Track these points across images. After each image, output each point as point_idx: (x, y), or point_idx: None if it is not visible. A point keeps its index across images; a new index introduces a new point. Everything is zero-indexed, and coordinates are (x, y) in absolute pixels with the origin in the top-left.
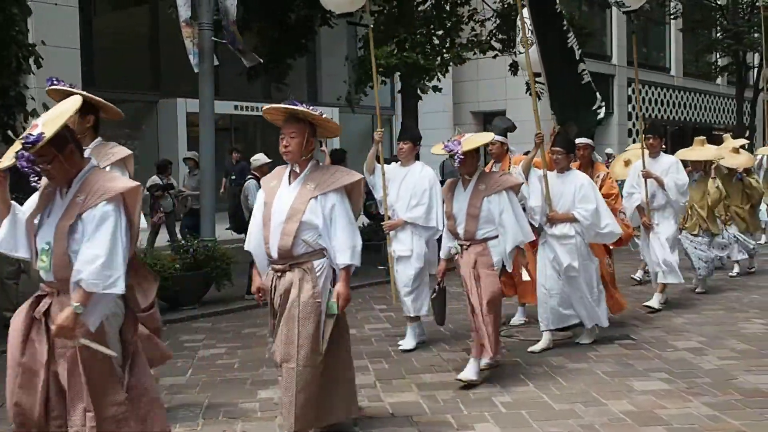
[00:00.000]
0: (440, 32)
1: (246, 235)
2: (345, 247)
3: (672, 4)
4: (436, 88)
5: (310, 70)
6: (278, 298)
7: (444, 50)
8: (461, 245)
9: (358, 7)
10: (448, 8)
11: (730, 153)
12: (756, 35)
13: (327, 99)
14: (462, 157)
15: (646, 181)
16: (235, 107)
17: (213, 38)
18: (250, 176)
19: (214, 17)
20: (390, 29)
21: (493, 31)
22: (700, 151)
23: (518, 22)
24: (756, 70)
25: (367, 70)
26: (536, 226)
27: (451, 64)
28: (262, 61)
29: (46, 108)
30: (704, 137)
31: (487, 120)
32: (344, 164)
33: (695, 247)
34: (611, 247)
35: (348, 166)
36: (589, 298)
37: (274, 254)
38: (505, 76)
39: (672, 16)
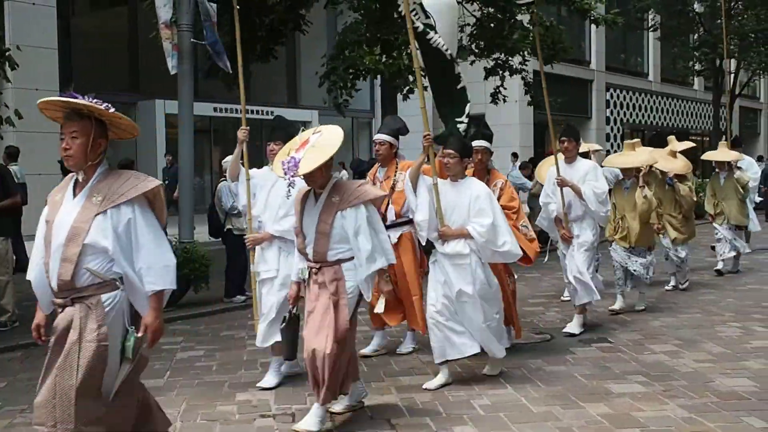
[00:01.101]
0: None
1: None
2: (153, 269)
3: (650, 16)
4: (425, 88)
5: (290, 73)
6: (53, 341)
7: None
8: (310, 268)
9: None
10: None
11: (665, 157)
12: (732, 45)
13: (307, 101)
14: (301, 178)
15: (561, 189)
16: (215, 109)
17: (192, 40)
18: (223, 178)
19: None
20: (373, 31)
21: (472, 37)
22: (628, 156)
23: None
24: (732, 75)
25: (340, 72)
26: (422, 243)
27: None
28: (230, 72)
29: (19, 115)
30: (638, 140)
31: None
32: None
33: (628, 256)
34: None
35: None
36: (485, 328)
37: (54, 285)
38: (485, 81)
39: (651, 29)
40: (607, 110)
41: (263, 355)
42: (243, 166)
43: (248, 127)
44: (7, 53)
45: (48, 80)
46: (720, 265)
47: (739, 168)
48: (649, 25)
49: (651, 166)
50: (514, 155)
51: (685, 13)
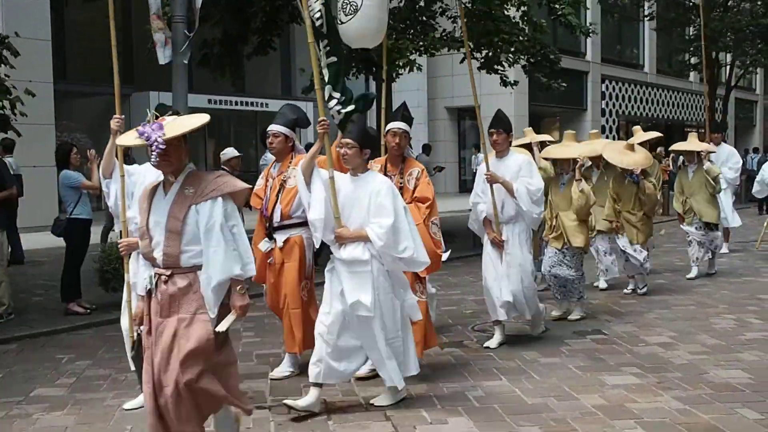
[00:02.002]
0: (417, 27)
1: None
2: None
3: (647, 4)
4: (412, 64)
5: (284, 64)
6: None
7: (419, 40)
8: (159, 275)
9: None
10: (422, 3)
11: (622, 150)
12: (729, 36)
13: (301, 93)
14: (163, 146)
15: (491, 186)
16: (209, 101)
17: (185, 32)
18: (220, 170)
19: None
20: None
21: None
22: (567, 148)
23: None
24: (728, 67)
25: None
26: (316, 247)
27: (425, 53)
28: (186, 62)
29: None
30: (573, 132)
31: (461, 116)
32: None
33: (559, 262)
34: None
35: None
36: (384, 348)
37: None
38: (481, 72)
39: (647, 18)
40: (603, 102)
41: (259, 346)
42: (117, 159)
43: (123, 116)
44: (6, 40)
45: (42, 72)
46: (693, 272)
47: (710, 160)
48: (646, 14)
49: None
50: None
51: (681, 4)
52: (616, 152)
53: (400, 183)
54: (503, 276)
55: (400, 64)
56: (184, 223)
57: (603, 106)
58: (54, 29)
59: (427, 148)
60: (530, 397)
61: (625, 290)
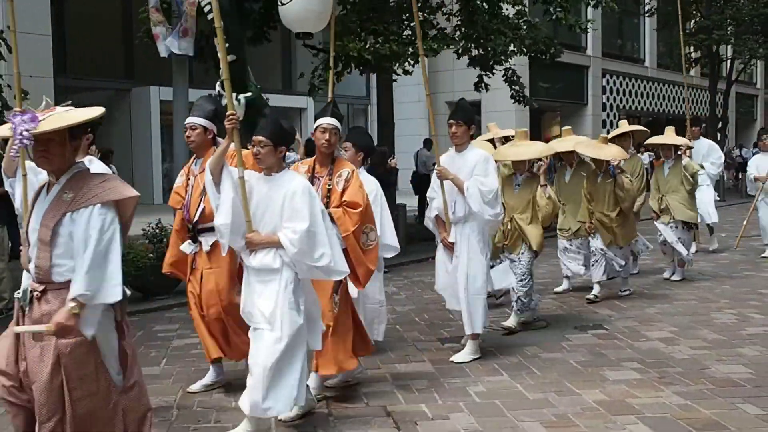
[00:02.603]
0: (413, 24)
1: None
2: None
3: (647, 0)
4: (406, 72)
5: (284, 59)
6: None
7: (415, 41)
8: (32, 293)
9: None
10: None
11: (596, 145)
12: (729, 28)
13: (302, 88)
14: (28, 141)
15: (442, 183)
16: (210, 95)
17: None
18: None
19: None
20: (363, 19)
21: (459, 25)
22: (521, 147)
23: None
24: (728, 62)
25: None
26: (223, 254)
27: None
28: (191, 54)
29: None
30: (525, 129)
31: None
32: None
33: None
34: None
35: None
36: (268, 369)
37: None
38: (474, 68)
39: (647, 14)
40: (604, 96)
41: None
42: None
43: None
44: (1, 34)
45: (42, 67)
46: (667, 274)
47: (689, 156)
48: (646, 10)
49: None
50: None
51: None
52: (590, 147)
53: (329, 185)
54: (453, 282)
55: (398, 71)
56: (56, 233)
57: (604, 101)
58: (54, 24)
59: (428, 143)
60: (531, 392)
61: (587, 296)
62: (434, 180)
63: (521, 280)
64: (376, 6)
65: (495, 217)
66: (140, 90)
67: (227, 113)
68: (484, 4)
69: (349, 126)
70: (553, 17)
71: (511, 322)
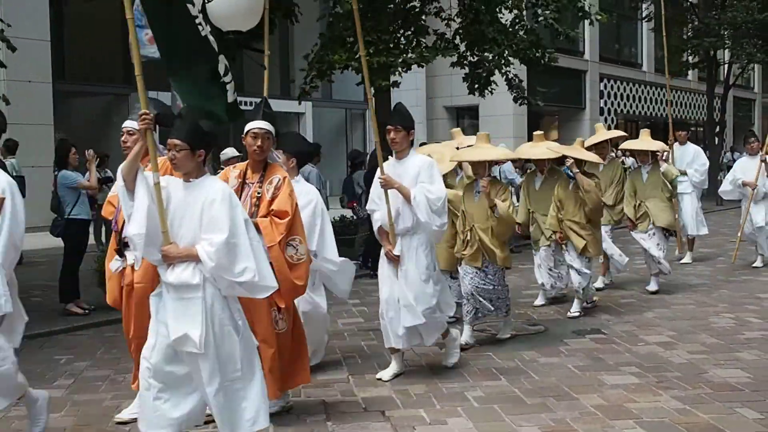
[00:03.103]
0: (407, 33)
1: None
2: None
3: (644, 5)
4: (395, 84)
5: (283, 64)
6: None
7: (409, 50)
8: None
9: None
10: (417, 6)
11: (569, 147)
12: (726, 32)
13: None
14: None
15: (386, 192)
16: None
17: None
18: (221, 169)
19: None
20: (354, 28)
21: (459, 30)
22: (476, 150)
23: None
24: (726, 66)
25: (322, 66)
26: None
27: (414, 64)
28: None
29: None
30: (487, 133)
31: (460, 115)
32: (318, 159)
33: (476, 284)
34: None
35: (322, 160)
36: (217, 392)
37: None
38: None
39: (645, 19)
40: (601, 101)
41: None
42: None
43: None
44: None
45: (41, 72)
46: (652, 285)
47: (665, 160)
48: (643, 15)
49: (557, 160)
50: None
51: (679, 3)
52: (566, 149)
53: (258, 192)
54: (400, 296)
55: (384, 84)
56: None
57: (602, 105)
58: (53, 29)
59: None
60: (529, 397)
61: (570, 314)
62: (374, 190)
63: (502, 287)
64: (369, 13)
65: (441, 227)
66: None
67: (140, 113)
68: (483, 7)
69: (347, 133)
70: (542, 21)
71: (464, 338)
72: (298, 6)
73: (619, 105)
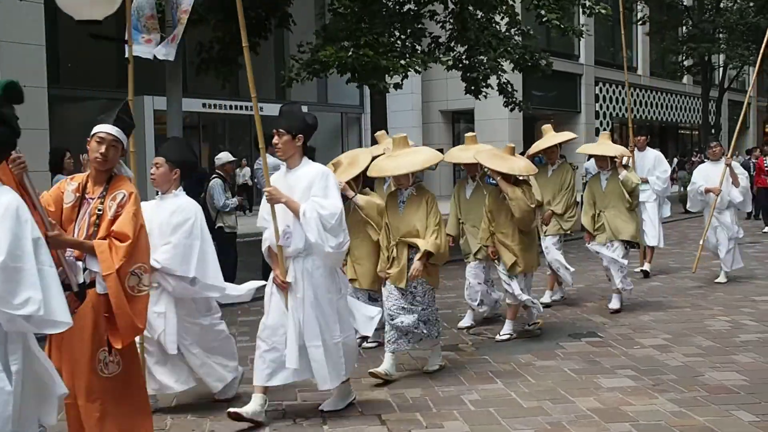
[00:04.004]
0: (403, 37)
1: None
2: None
3: (639, 7)
4: (397, 86)
5: (278, 68)
6: None
7: (406, 55)
8: None
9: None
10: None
11: (501, 155)
12: (720, 35)
13: (296, 95)
14: None
15: (273, 207)
16: (203, 105)
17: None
18: (214, 175)
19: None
20: (352, 29)
21: (452, 30)
22: (399, 157)
23: None
24: (721, 69)
25: (315, 65)
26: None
27: (410, 69)
28: (171, 59)
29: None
30: (405, 135)
31: (456, 119)
32: (231, 168)
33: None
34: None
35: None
36: None
37: None
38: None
39: (640, 22)
40: (597, 105)
41: (253, 351)
42: None
43: None
44: None
45: (35, 77)
46: (614, 303)
47: (626, 166)
48: (638, 18)
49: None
50: None
51: (673, 6)
52: (493, 158)
53: (99, 209)
54: (288, 330)
55: (383, 85)
56: None
57: (597, 109)
58: (48, 34)
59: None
60: (525, 400)
61: (498, 337)
62: (263, 206)
63: (431, 308)
64: (365, 16)
65: (337, 249)
66: (134, 99)
67: (13, 157)
68: (478, 12)
69: (342, 137)
70: (544, 20)
71: (384, 366)
72: (291, 16)
73: (614, 109)
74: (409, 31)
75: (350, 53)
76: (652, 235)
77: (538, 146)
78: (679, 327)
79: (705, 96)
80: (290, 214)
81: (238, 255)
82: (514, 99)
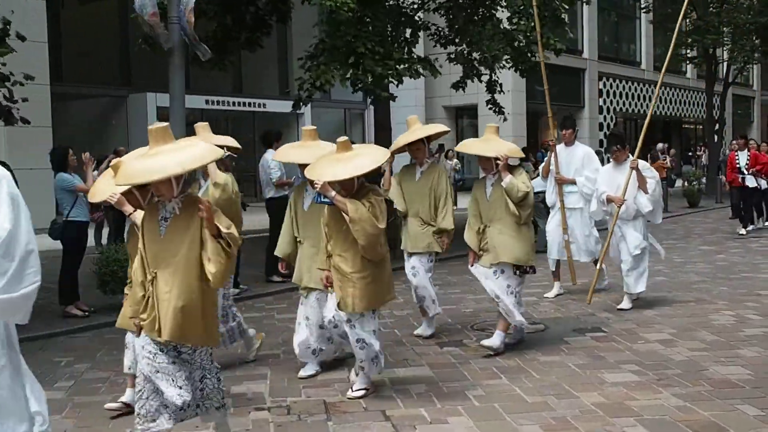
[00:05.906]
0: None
1: None
2: None
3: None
4: (391, 97)
5: (281, 65)
6: None
7: (401, 62)
8: None
9: None
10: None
11: (338, 157)
12: (725, 29)
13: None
14: None
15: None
16: (206, 101)
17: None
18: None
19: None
20: (352, 38)
21: (451, 20)
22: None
23: None
24: (725, 64)
25: (319, 82)
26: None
27: (406, 75)
28: (211, 54)
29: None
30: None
31: (459, 115)
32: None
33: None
34: None
35: None
36: None
37: None
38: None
39: (644, 10)
40: (600, 99)
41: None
42: None
43: None
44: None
45: (38, 73)
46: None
47: (522, 167)
48: (642, 6)
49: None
50: None
51: None
52: (328, 161)
53: None
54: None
55: (384, 95)
56: None
57: (600, 104)
58: (50, 31)
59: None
60: (530, 395)
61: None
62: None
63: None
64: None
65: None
66: (137, 97)
67: None
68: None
69: (346, 132)
70: (524, 32)
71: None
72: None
73: (618, 103)
74: (409, 29)
75: (349, 73)
76: (583, 250)
77: (398, 143)
78: (684, 321)
79: (709, 90)
80: None
81: (242, 252)
82: (501, 108)
